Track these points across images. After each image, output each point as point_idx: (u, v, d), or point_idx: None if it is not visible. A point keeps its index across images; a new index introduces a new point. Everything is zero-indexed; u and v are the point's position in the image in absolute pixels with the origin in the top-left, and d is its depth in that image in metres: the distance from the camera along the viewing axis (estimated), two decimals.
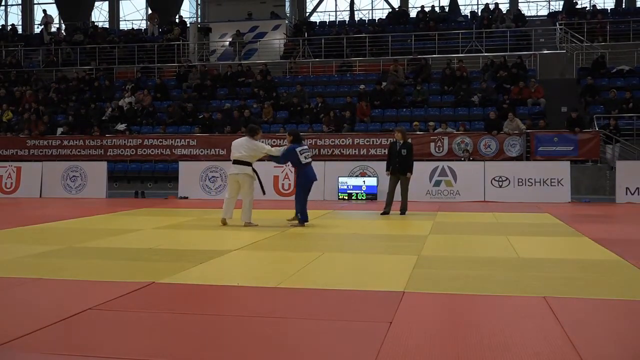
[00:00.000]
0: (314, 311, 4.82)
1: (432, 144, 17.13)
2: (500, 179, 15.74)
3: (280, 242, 8.62)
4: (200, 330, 4.30)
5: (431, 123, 18.01)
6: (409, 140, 12.79)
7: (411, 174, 12.46)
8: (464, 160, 16.59)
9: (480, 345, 3.94)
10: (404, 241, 8.55)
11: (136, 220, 11.21)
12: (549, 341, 4.02)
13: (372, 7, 33.76)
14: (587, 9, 26.17)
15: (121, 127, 19.91)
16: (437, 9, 27.74)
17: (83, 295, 5.28)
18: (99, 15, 35.35)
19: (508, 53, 21.92)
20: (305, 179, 10.45)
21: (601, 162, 16.78)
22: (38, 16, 33.94)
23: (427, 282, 5.79)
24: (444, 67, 20.98)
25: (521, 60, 20.60)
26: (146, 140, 18.83)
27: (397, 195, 12.52)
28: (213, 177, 16.89)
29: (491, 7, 25.10)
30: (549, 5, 31.32)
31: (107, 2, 34.59)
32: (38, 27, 30.04)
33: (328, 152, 17.61)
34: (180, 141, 18.54)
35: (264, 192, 10.41)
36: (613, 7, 28.00)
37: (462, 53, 22.69)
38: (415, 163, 16.32)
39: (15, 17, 35.87)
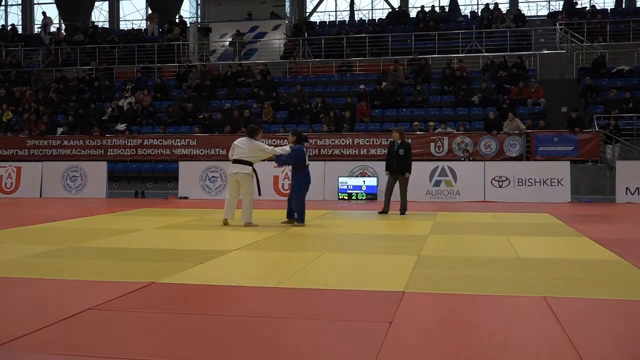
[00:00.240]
0: (314, 311, 4.82)
1: (432, 144, 17.14)
2: (500, 179, 15.74)
3: (280, 242, 8.62)
4: (200, 330, 4.30)
5: (431, 123, 18.02)
6: (408, 140, 12.78)
7: (409, 173, 12.45)
8: (464, 160, 16.60)
9: (480, 345, 3.94)
10: (404, 241, 8.55)
11: (136, 220, 11.21)
12: (549, 341, 4.02)
13: (372, 7, 33.78)
14: (587, 9, 26.18)
15: (121, 127, 19.92)
16: (437, 9, 27.75)
17: (83, 295, 5.28)
18: (99, 15, 35.41)
19: (508, 53, 21.93)
20: (306, 180, 10.49)
21: (601, 162, 16.79)
22: (38, 16, 33.98)
23: (427, 282, 5.79)
24: (444, 67, 20.99)
25: (521, 60, 20.60)
26: (146, 140, 18.84)
27: (396, 196, 12.52)
28: (213, 177, 16.89)
29: (491, 7, 25.11)
30: (549, 5, 31.35)
31: (107, 2, 34.61)
32: (38, 28, 29.99)
33: (328, 152, 17.61)
34: (180, 141, 18.54)
35: (259, 193, 10.35)
36: (613, 7, 28.00)
37: (462, 53, 22.70)
38: (415, 163, 16.34)
39: (15, 17, 35.92)
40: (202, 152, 18.25)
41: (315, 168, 16.39)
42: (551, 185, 15.48)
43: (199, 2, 29.54)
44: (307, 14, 31.67)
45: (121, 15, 34.88)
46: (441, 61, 21.98)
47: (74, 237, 8.82)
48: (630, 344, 4.10)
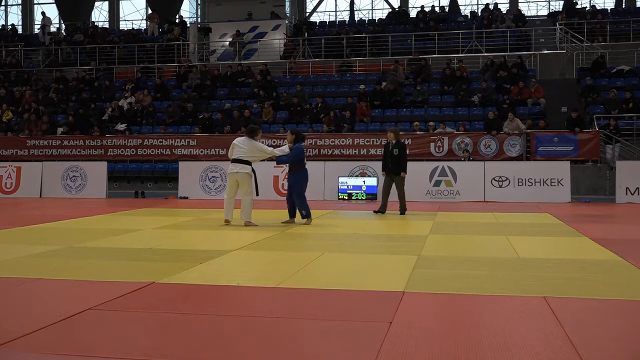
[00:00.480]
0: (314, 311, 4.82)
1: (432, 144, 17.14)
2: (500, 179, 15.75)
3: (280, 242, 8.62)
4: (200, 330, 4.30)
5: (431, 123, 18.02)
6: (402, 140, 12.81)
7: (405, 173, 12.45)
8: (464, 160, 16.60)
9: (480, 345, 3.94)
10: (404, 241, 8.55)
11: (136, 220, 11.21)
12: (549, 341, 4.02)
13: (372, 7, 33.80)
14: (587, 9, 26.18)
15: (121, 127, 19.92)
16: (437, 9, 27.76)
17: (83, 295, 5.28)
18: (99, 15, 35.43)
19: (508, 53, 21.94)
20: (305, 179, 10.56)
21: (601, 162, 16.78)
22: (38, 16, 33.97)
23: (427, 282, 5.79)
24: (444, 67, 20.98)
25: (521, 60, 20.60)
26: (146, 140, 18.83)
27: (394, 196, 12.54)
28: (213, 177, 16.89)
29: (491, 7, 25.11)
30: (549, 5, 31.37)
31: (107, 2, 34.61)
32: (38, 29, 29.97)
33: (328, 152, 17.61)
34: (180, 141, 18.54)
35: (257, 193, 10.36)
36: (613, 7, 28.02)
37: (462, 53, 22.70)
38: (415, 163, 16.47)
39: (15, 17, 35.93)
40: (202, 152, 18.25)
41: (315, 168, 16.46)
42: (551, 185, 15.49)
43: (199, 2, 29.54)
44: (307, 14, 31.68)
45: (121, 15, 34.91)
46: (441, 61, 21.98)
47: (74, 237, 8.82)
48: (630, 343, 4.10)
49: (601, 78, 20.09)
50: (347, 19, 30.01)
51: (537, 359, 3.70)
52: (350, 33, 24.70)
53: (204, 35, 26.20)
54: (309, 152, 17.61)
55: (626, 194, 15.32)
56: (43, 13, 30.41)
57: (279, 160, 10.56)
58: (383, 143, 16.81)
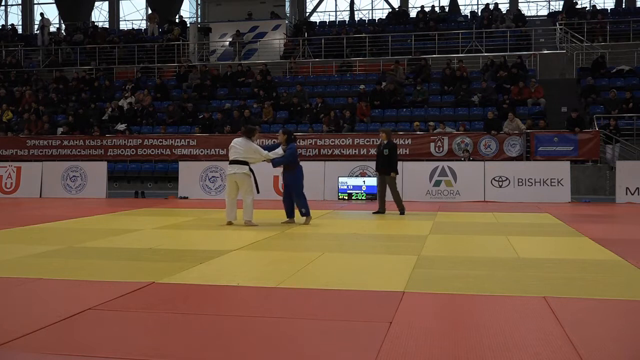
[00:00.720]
0: (314, 311, 4.82)
1: (432, 144, 17.14)
2: (500, 179, 15.75)
3: (280, 242, 8.62)
4: (200, 330, 4.30)
5: (431, 123, 18.02)
6: (394, 141, 12.87)
7: (395, 173, 12.48)
8: (464, 160, 16.59)
9: (480, 346, 3.94)
10: (404, 241, 8.55)
11: (136, 220, 11.21)
12: (549, 341, 4.02)
13: (372, 7, 33.80)
14: (587, 9, 26.18)
15: (121, 127, 19.91)
16: (437, 9, 27.76)
17: (83, 295, 5.28)
18: (99, 15, 35.44)
19: (508, 53, 21.94)
20: (301, 176, 10.64)
21: (601, 162, 16.78)
22: (38, 16, 33.93)
23: (427, 282, 5.79)
24: (444, 67, 20.98)
25: (521, 60, 20.60)
26: (146, 140, 18.83)
27: (390, 196, 12.57)
28: (213, 177, 16.90)
29: (491, 7, 25.11)
30: (549, 5, 31.37)
31: (107, 2, 34.62)
32: (36, 30, 29.94)
33: (328, 152, 17.61)
34: (180, 141, 18.54)
35: (257, 191, 10.39)
36: (613, 7, 28.02)
37: (462, 53, 22.70)
38: (415, 163, 16.51)
39: (15, 17, 35.93)
40: (202, 152, 18.25)
41: (315, 168, 16.50)
42: (551, 185, 15.49)
43: (199, 2, 29.54)
44: (307, 14, 31.68)
45: (121, 15, 34.91)
46: (441, 61, 21.98)
47: (74, 237, 8.82)
48: (630, 343, 4.10)
49: (601, 78, 20.09)
50: (347, 19, 30.01)
51: (537, 359, 3.70)
52: (350, 33, 24.70)
53: (204, 35, 26.20)
54: (309, 152, 17.64)
55: (626, 194, 15.32)
56: (42, 14, 30.39)
57: (275, 162, 10.52)
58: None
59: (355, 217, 12.39)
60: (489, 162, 16.25)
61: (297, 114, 19.85)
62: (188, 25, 27.43)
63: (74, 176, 17.77)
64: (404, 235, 9.51)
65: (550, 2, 31.43)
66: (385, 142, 12.54)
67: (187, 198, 16.77)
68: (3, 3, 35.95)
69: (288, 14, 26.98)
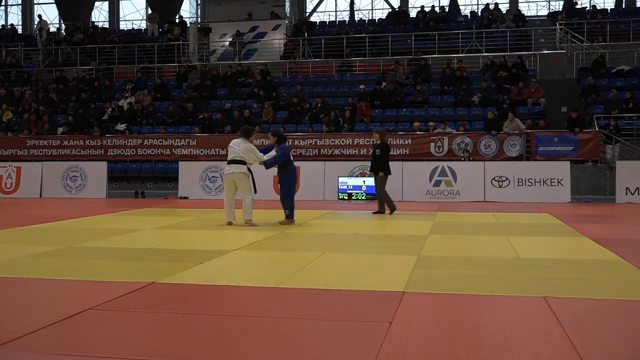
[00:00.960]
0: (314, 311, 4.82)
1: (432, 144, 17.14)
2: (500, 179, 15.75)
3: (280, 242, 8.62)
4: (200, 330, 4.30)
5: (431, 123, 18.01)
6: (387, 141, 12.96)
7: (385, 173, 12.50)
8: (464, 160, 16.59)
9: (480, 345, 3.94)
10: (404, 241, 8.55)
11: (136, 220, 11.22)
12: (549, 341, 4.02)
13: (372, 7, 33.80)
14: (587, 9, 26.18)
15: (121, 127, 19.91)
16: (437, 9, 27.75)
17: (83, 295, 5.28)
18: (99, 15, 35.43)
19: (508, 53, 21.93)
20: (294, 177, 10.71)
21: (601, 162, 16.78)
22: (36, 18, 33.93)
23: (427, 282, 5.79)
24: (444, 67, 20.98)
25: (521, 60, 20.60)
26: (146, 140, 18.83)
27: (392, 196, 12.59)
28: (213, 177, 16.90)
29: (491, 7, 25.11)
30: (549, 5, 31.37)
31: (107, 2, 34.61)
32: (34, 31, 29.90)
33: (328, 152, 17.61)
34: (180, 141, 18.54)
35: (255, 191, 10.39)
36: (613, 7, 28.02)
37: (462, 53, 22.70)
38: (415, 163, 16.51)
39: (15, 17, 35.93)
40: (202, 152, 18.25)
41: (315, 168, 16.53)
42: (551, 185, 15.49)
43: (199, 2, 29.54)
44: (307, 14, 31.68)
45: (121, 15, 34.90)
46: (441, 61, 21.97)
47: (74, 237, 8.82)
48: (630, 343, 4.10)
49: (601, 78, 20.08)
50: (347, 19, 30.01)
51: (537, 359, 3.70)
52: (350, 33, 24.70)
53: (204, 35, 26.19)
54: (309, 152, 17.64)
55: (626, 194, 15.32)
56: (39, 16, 30.37)
57: (267, 164, 10.49)
58: None
59: (355, 217, 12.39)
60: (489, 162, 16.25)
61: (297, 114, 19.85)
62: (188, 25, 27.43)
63: (74, 176, 17.77)
64: (404, 235, 9.51)
65: (550, 2, 31.45)
66: (378, 142, 12.61)
67: (187, 198, 16.77)
68: (3, 3, 35.95)
69: (288, 14, 26.97)
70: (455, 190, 15.81)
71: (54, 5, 34.15)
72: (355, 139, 17.58)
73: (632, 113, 17.66)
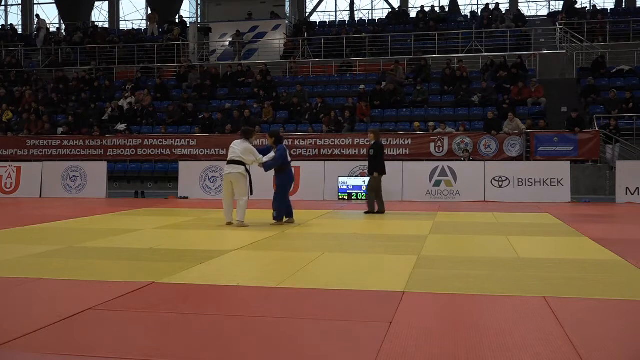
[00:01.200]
0: (314, 311, 4.82)
1: (432, 144, 17.14)
2: (500, 179, 15.75)
3: (280, 242, 8.62)
4: (200, 330, 4.30)
5: (431, 123, 18.01)
6: (381, 141, 13.08)
7: (378, 174, 12.53)
8: (464, 160, 16.59)
9: (480, 345, 3.94)
10: (404, 241, 8.55)
11: (136, 220, 11.21)
12: (549, 341, 4.02)
13: (372, 7, 33.80)
14: (587, 9, 26.18)
15: (121, 127, 19.91)
16: (437, 9, 27.75)
17: (83, 295, 5.28)
18: (99, 15, 35.42)
19: (508, 53, 21.93)
20: (291, 178, 10.72)
21: (601, 162, 16.78)
22: (39, 14, 33.93)
23: (427, 282, 5.79)
24: (444, 67, 20.98)
25: (521, 60, 20.60)
26: (146, 140, 18.83)
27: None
28: (213, 177, 16.89)
29: (491, 7, 25.11)
30: (549, 5, 31.37)
31: (107, 2, 34.60)
32: (34, 32, 29.89)
33: (328, 152, 17.61)
34: (180, 141, 18.54)
35: (251, 193, 10.37)
36: (613, 7, 28.02)
37: (462, 53, 22.70)
38: (415, 163, 16.52)
39: (15, 17, 35.92)
40: (202, 152, 18.25)
41: (315, 168, 16.53)
42: (551, 185, 15.49)
43: (199, 2, 29.54)
44: (307, 14, 31.68)
45: (121, 15, 34.89)
46: (441, 61, 21.97)
47: (74, 237, 8.82)
48: (630, 343, 4.10)
49: (601, 78, 20.08)
50: (347, 19, 30.00)
51: (537, 359, 3.70)
52: (350, 33, 24.70)
53: (204, 35, 26.19)
54: (309, 152, 17.64)
55: (626, 194, 15.32)
56: (37, 16, 30.35)
57: (266, 166, 10.47)
58: (383, 143, 16.91)
59: (355, 217, 12.39)
60: (489, 162, 16.25)
61: (297, 114, 19.85)
62: (188, 25, 27.43)
63: (74, 176, 17.77)
64: (404, 235, 9.50)
65: (550, 2, 31.44)
66: (372, 142, 12.63)
67: (187, 198, 16.77)
68: (3, 3, 35.94)
69: (288, 14, 26.97)
70: (455, 190, 15.81)
71: (54, 5, 34.14)
72: (355, 139, 17.58)
73: (632, 113, 17.66)
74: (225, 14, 26.55)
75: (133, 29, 30.85)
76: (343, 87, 21.93)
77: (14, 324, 4.38)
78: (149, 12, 31.49)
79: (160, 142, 18.66)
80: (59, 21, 33.77)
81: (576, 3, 25.52)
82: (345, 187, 15.99)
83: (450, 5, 28.50)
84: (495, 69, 20.51)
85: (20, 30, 32.78)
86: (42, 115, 20.64)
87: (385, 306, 4.85)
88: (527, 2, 31.45)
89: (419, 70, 21.38)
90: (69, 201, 16.19)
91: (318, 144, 17.72)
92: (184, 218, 11.68)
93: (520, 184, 15.63)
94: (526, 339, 4.08)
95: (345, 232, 9.75)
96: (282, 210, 10.50)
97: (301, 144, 17.70)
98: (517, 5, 28.92)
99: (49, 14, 37.37)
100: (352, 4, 30.66)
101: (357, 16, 31.08)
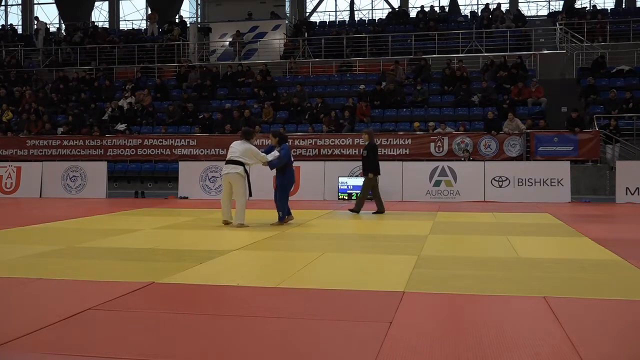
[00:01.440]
0: (314, 311, 4.82)
1: (432, 144, 17.14)
2: (500, 179, 15.75)
3: (280, 242, 8.62)
4: (200, 330, 4.30)
5: (431, 123, 18.02)
6: (375, 142, 13.14)
7: (372, 174, 12.55)
8: (464, 160, 16.60)
9: (480, 346, 3.94)
10: (404, 241, 8.55)
11: (136, 220, 11.21)
12: (549, 341, 4.02)
13: (372, 7, 33.79)
14: (587, 9, 26.18)
15: (121, 127, 19.91)
16: (437, 9, 27.76)
17: (83, 295, 5.28)
18: (99, 15, 35.41)
19: (508, 53, 21.93)
20: (292, 178, 10.69)
21: (601, 162, 16.78)
22: (38, 16, 33.91)
23: (427, 282, 5.79)
24: (444, 67, 20.98)
25: (521, 60, 20.60)
26: (146, 140, 18.83)
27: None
28: (213, 177, 16.89)
29: (491, 7, 25.11)
30: (549, 5, 31.36)
31: (107, 2, 34.60)
32: (33, 33, 29.90)
33: (328, 152, 17.61)
34: (180, 141, 18.54)
35: (250, 194, 10.34)
36: (613, 7, 28.01)
37: (462, 53, 22.70)
38: (415, 163, 16.52)
39: (15, 17, 35.92)
40: (202, 152, 18.25)
41: (315, 168, 16.53)
42: (551, 185, 15.49)
43: (199, 2, 29.54)
44: (307, 14, 31.68)
45: (121, 15, 34.89)
46: (441, 61, 21.97)
47: (74, 237, 8.82)
48: (630, 343, 4.10)
49: (601, 78, 20.08)
50: (347, 19, 30.00)
51: (537, 359, 3.70)
52: (350, 33, 24.70)
53: (204, 35, 26.20)
54: (309, 152, 17.64)
55: (626, 194, 15.32)
56: (36, 18, 30.34)
57: (271, 165, 10.45)
58: (383, 143, 17.00)
59: (355, 217, 12.39)
60: (489, 162, 16.26)
61: (297, 114, 19.85)
62: (188, 25, 27.43)
63: (74, 176, 17.77)
64: (404, 235, 9.50)
65: (550, 2, 31.44)
66: (366, 142, 12.66)
67: (187, 198, 16.77)
68: (3, 3, 35.94)
69: (288, 14, 26.97)
70: (455, 190, 15.81)
71: (54, 5, 34.14)
72: (355, 139, 17.56)
73: (632, 113, 17.66)
74: (225, 14, 26.55)
75: (133, 29, 30.87)
76: (343, 87, 21.93)
77: (14, 324, 4.38)
78: (149, 12, 31.48)
79: (160, 142, 18.66)
80: (59, 21, 33.76)
81: (575, 2, 25.51)
82: (345, 187, 15.99)
83: (450, 5, 28.50)
84: (495, 69, 20.51)
85: (20, 30, 32.77)
86: (42, 115, 20.64)
87: (385, 306, 4.85)
88: (527, 2, 31.45)
89: (419, 70, 21.38)
90: (69, 201, 16.19)
91: (318, 144, 17.72)
92: (184, 218, 11.68)
93: (520, 184, 15.64)
94: (526, 339, 4.07)
95: (345, 232, 9.75)
96: (286, 210, 10.49)
97: (301, 144, 17.70)
98: (517, 5, 28.92)
99: (49, 14, 37.42)
100: (352, 4, 30.66)
101: (357, 16, 31.08)
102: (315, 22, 28.73)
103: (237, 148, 10.21)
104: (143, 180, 18.85)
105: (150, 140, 18.78)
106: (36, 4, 35.11)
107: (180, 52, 25.58)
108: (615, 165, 15.91)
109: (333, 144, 17.67)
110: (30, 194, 17.64)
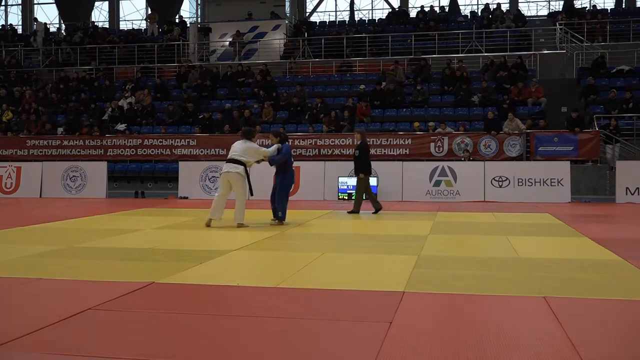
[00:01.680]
0: (314, 311, 4.82)
1: (432, 144, 17.13)
2: (500, 179, 15.75)
3: (280, 242, 8.62)
4: (200, 330, 4.30)
5: (431, 123, 18.01)
6: (366, 142, 13.15)
7: (363, 174, 12.59)
8: (464, 160, 16.60)
9: (480, 346, 3.94)
10: (404, 241, 8.55)
11: (136, 220, 11.21)
12: (549, 341, 4.02)
13: (372, 7, 33.80)
14: (587, 9, 26.18)
15: (121, 127, 19.91)
16: (437, 9, 27.76)
17: (83, 295, 5.28)
18: (99, 15, 35.43)
19: (508, 53, 21.93)
20: (292, 178, 10.71)
21: (601, 162, 16.78)
22: (38, 16, 33.93)
23: (427, 282, 5.79)
24: (444, 67, 20.98)
25: (521, 60, 20.60)
26: (146, 140, 18.82)
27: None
28: (213, 177, 16.89)
29: (491, 7, 25.12)
30: (549, 5, 31.37)
31: (107, 2, 34.61)
32: (33, 34, 29.91)
33: (328, 152, 17.60)
34: (180, 141, 18.53)
35: (251, 194, 10.31)
36: (613, 7, 28.02)
37: (462, 53, 22.70)
38: (415, 163, 16.52)
39: (15, 17, 35.92)
40: (202, 152, 18.24)
41: (315, 168, 16.53)
42: (551, 185, 15.49)
43: (199, 2, 29.54)
44: (307, 14, 31.68)
45: (121, 15, 34.90)
46: (441, 61, 21.97)
47: (74, 237, 8.82)
48: (630, 343, 4.10)
49: (601, 78, 20.08)
50: (347, 19, 30.01)
51: (537, 359, 3.70)
52: (350, 33, 24.70)
53: (204, 35, 26.20)
54: (309, 152, 17.64)
55: (626, 194, 15.32)
56: (35, 19, 30.32)
57: (272, 160, 10.44)
58: (383, 143, 17.00)
59: (355, 217, 12.39)
60: (489, 162, 16.26)
61: (297, 114, 19.85)
62: (188, 25, 27.43)
63: (74, 176, 17.77)
64: (404, 235, 9.50)
65: (550, 2, 31.44)
66: (359, 142, 12.67)
67: (187, 198, 16.77)
68: (3, 3, 35.94)
69: (288, 14, 26.98)
70: (455, 190, 15.81)
71: (54, 5, 34.14)
72: (355, 139, 17.54)
73: (632, 113, 17.66)
74: (225, 14, 26.56)
75: (133, 29, 30.87)
76: (343, 87, 21.93)
77: (14, 324, 4.38)
78: (149, 12, 31.48)
79: (160, 142, 18.66)
80: (59, 21, 33.77)
81: (575, 2, 25.52)
82: (345, 187, 15.98)
83: (450, 5, 28.51)
84: (495, 69, 20.51)
85: (20, 30, 32.78)
86: (42, 115, 20.64)
87: (385, 306, 4.85)
88: (527, 2, 31.46)
89: (419, 70, 21.38)
90: (69, 201, 16.19)
91: (318, 144, 17.71)
92: (184, 218, 11.68)
93: (520, 184, 15.64)
94: (526, 339, 4.07)
95: (345, 232, 9.75)
96: (285, 210, 10.48)
97: (301, 144, 17.70)
98: (517, 5, 28.93)
99: (49, 14, 37.45)
100: (352, 4, 30.67)
101: (357, 16, 31.09)
102: (315, 22, 28.74)
103: (238, 147, 10.20)
104: (143, 180, 18.85)
105: (150, 140, 18.78)
106: (36, 4, 35.13)
107: (180, 52, 25.59)
108: (615, 165, 15.91)
109: (333, 144, 17.67)
110: (30, 194, 17.64)
